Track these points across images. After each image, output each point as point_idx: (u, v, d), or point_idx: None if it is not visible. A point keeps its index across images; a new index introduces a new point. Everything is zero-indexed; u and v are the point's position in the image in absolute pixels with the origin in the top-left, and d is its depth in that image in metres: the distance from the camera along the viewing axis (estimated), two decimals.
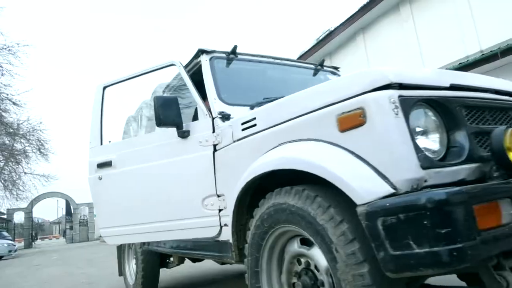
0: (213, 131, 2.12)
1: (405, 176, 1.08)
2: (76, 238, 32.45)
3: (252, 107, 2.26)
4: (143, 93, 3.23)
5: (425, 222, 0.96)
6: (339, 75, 3.14)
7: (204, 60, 2.45)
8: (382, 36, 12.11)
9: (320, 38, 14.78)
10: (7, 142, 22.60)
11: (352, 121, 1.22)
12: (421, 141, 1.17)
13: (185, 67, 2.51)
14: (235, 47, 2.56)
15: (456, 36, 9.52)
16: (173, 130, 2.22)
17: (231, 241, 1.85)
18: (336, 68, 3.19)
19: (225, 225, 1.99)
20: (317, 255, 1.36)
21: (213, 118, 2.14)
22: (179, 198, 2.21)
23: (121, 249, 3.94)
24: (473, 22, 9.20)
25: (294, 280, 1.50)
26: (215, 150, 2.09)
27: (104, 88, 2.83)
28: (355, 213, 1.12)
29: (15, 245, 16.66)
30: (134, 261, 3.67)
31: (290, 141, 1.47)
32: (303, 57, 15.39)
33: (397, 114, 1.13)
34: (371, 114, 1.16)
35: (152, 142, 2.41)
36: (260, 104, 2.29)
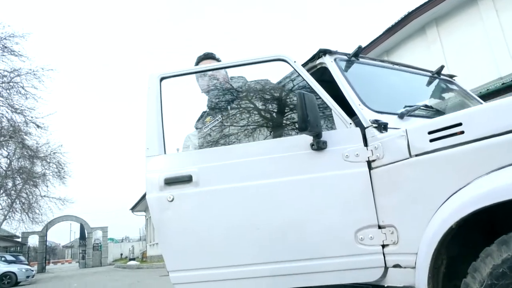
0: (365, 144, 1.69)
1: None
2: (89, 263, 31.86)
3: (401, 116, 1.85)
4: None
5: None
6: (456, 85, 2.72)
7: (329, 61, 2.06)
8: (407, 59, 11.84)
9: None
10: (26, 165, 22.57)
11: None
12: None
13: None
14: (360, 48, 2.17)
15: (487, 57, 9.21)
16: (297, 139, 1.77)
17: None
18: (451, 76, 2.78)
19: (396, 265, 1.52)
20: None
21: (364, 128, 1.71)
22: (316, 229, 1.68)
23: None
24: (506, 43, 8.87)
25: None
26: (370, 167, 1.65)
27: (162, 79, 2.05)
28: None
29: (32, 271, 16.22)
30: None
31: None
32: None
33: None
34: None
35: (262, 153, 1.78)
36: (408, 112, 1.87)
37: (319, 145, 1.69)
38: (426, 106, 2.00)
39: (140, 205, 25.98)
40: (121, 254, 37.20)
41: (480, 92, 7.78)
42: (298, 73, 1.91)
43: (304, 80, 1.89)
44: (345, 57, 2.15)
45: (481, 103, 2.57)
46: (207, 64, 2.45)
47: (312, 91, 1.83)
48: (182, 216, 1.78)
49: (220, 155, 1.85)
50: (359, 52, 2.18)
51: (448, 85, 2.66)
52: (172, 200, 1.78)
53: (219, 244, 1.74)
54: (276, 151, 1.77)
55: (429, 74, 2.63)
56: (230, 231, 1.74)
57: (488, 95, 7.59)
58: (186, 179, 1.80)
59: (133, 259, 28.32)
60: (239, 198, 1.75)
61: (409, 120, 1.87)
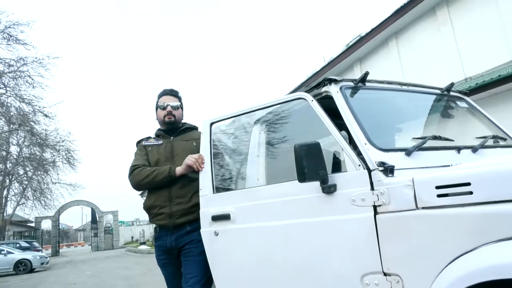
0: (372, 188, 1.66)
1: None
2: (101, 246, 32.66)
3: (408, 153, 1.79)
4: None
5: None
6: (467, 102, 2.64)
7: (335, 91, 2.00)
8: (417, 41, 11.57)
9: (350, 44, 14.30)
10: (36, 152, 22.86)
11: None
12: None
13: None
14: (367, 73, 2.11)
15: (500, 40, 8.91)
16: (310, 183, 1.77)
17: None
18: (462, 92, 2.69)
19: None
20: None
21: (370, 171, 1.67)
22: (325, 272, 1.72)
23: None
24: None
25: None
26: (376, 212, 1.63)
27: (211, 124, 2.36)
28: None
29: (46, 257, 16.66)
30: None
31: None
32: (331, 64, 14.93)
33: None
34: None
35: (282, 194, 1.92)
36: (417, 147, 1.82)
37: (328, 190, 1.71)
38: (434, 136, 1.95)
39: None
40: (132, 237, 38.00)
41: (492, 78, 7.57)
42: (315, 111, 1.91)
43: (319, 118, 1.89)
44: (351, 84, 2.10)
45: (493, 122, 2.51)
46: (169, 101, 2.60)
47: (326, 130, 1.84)
48: (225, 249, 2.09)
49: (250, 195, 2.08)
50: (366, 78, 2.12)
51: (458, 102, 2.59)
52: (217, 235, 2.10)
53: (251, 278, 2.01)
54: (293, 193, 1.86)
55: (439, 91, 2.56)
56: (258, 268, 1.97)
57: (500, 81, 7.38)
58: (226, 217, 2.09)
59: (144, 243, 28.93)
60: (264, 237, 1.95)
61: (417, 155, 1.82)
